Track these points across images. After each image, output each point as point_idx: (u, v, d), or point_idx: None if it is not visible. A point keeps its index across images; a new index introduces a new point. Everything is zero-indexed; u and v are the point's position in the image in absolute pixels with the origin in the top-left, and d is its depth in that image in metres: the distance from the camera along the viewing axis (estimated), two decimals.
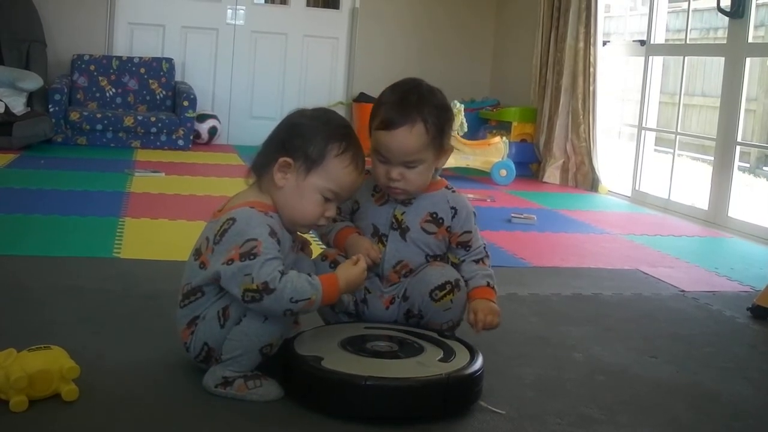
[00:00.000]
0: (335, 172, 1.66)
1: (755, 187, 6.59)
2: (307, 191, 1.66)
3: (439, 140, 1.84)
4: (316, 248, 1.94)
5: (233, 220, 1.61)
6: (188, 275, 1.68)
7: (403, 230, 1.90)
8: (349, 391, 1.54)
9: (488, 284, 1.91)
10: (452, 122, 1.90)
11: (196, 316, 1.66)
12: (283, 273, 1.56)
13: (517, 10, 6.67)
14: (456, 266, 1.93)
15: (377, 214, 1.91)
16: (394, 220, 1.90)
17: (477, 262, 1.93)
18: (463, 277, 1.90)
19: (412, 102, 1.81)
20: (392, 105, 1.82)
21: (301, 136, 1.66)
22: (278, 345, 1.66)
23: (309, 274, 1.61)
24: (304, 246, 1.84)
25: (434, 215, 1.90)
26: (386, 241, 1.91)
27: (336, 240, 1.91)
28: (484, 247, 1.95)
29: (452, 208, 1.92)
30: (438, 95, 1.87)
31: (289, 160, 1.65)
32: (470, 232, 1.92)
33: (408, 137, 1.80)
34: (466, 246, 1.93)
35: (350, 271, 1.66)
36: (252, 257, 1.55)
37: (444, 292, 1.85)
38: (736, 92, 4.33)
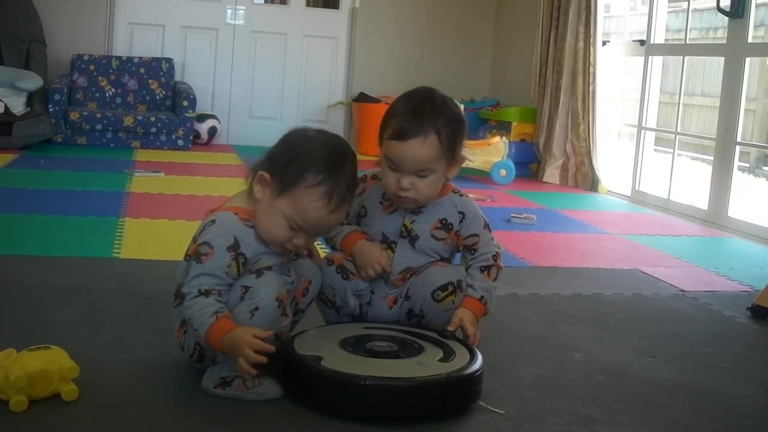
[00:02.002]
0: (302, 203, 1.59)
1: (755, 186, 6.59)
2: (274, 212, 1.62)
3: (452, 151, 1.83)
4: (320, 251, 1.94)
5: (213, 222, 1.62)
6: (178, 275, 1.68)
7: (412, 238, 1.89)
8: (349, 390, 1.54)
9: (481, 298, 1.87)
10: (465, 133, 1.87)
11: None
12: (202, 293, 1.55)
13: (516, 10, 6.67)
14: (466, 269, 1.92)
15: (386, 222, 1.90)
16: (403, 229, 1.89)
17: (483, 270, 1.90)
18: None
19: (425, 112, 1.79)
20: (405, 115, 1.79)
21: (286, 155, 1.63)
22: (274, 344, 1.65)
23: (217, 311, 1.54)
24: (311, 252, 1.84)
25: (444, 221, 1.89)
26: (395, 248, 1.90)
27: (343, 244, 1.90)
28: (494, 256, 1.91)
29: (460, 212, 1.90)
30: (451, 105, 1.85)
31: (266, 175, 1.62)
32: (477, 235, 1.91)
33: (421, 148, 1.77)
34: (471, 249, 1.91)
35: (244, 335, 1.51)
36: (197, 261, 1.57)
37: (446, 293, 1.84)
38: (735, 92, 4.33)
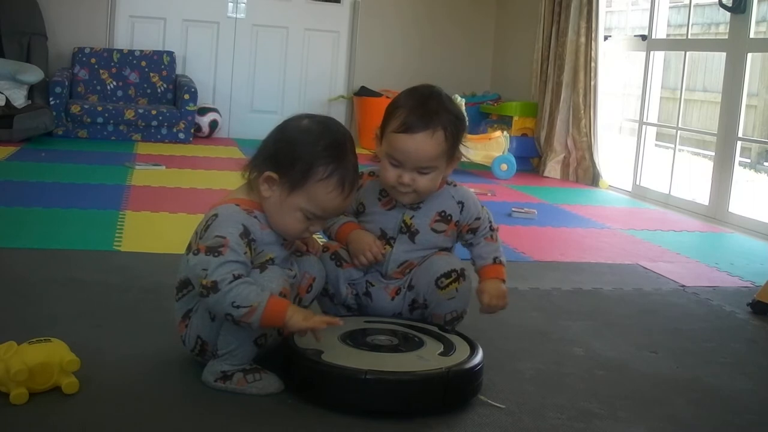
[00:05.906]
0: (317, 196, 1.62)
1: (756, 182, 6.59)
2: (288, 208, 1.63)
3: (454, 149, 1.85)
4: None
5: (216, 215, 1.62)
6: (180, 268, 1.69)
7: (412, 233, 1.90)
8: (349, 384, 1.54)
9: (495, 260, 1.93)
10: (466, 132, 1.90)
11: (190, 309, 1.67)
12: (237, 277, 1.53)
13: (518, 5, 6.66)
14: (467, 247, 1.96)
15: (385, 219, 1.91)
16: (403, 225, 1.90)
17: (486, 237, 1.95)
18: (472, 259, 1.94)
19: (433, 108, 1.81)
20: (412, 109, 1.81)
21: (290, 153, 1.62)
22: (272, 335, 1.66)
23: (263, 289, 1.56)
24: (309, 243, 1.84)
25: (443, 213, 1.91)
26: (393, 243, 1.91)
27: (338, 234, 1.92)
28: (489, 225, 1.96)
29: (459, 202, 1.93)
30: (455, 104, 1.88)
31: (273, 175, 1.62)
32: (479, 218, 1.94)
33: (428, 143, 1.79)
34: (473, 230, 1.95)
35: (303, 312, 1.58)
36: (216, 254, 1.54)
37: (450, 280, 1.85)
38: (737, 88, 4.33)
